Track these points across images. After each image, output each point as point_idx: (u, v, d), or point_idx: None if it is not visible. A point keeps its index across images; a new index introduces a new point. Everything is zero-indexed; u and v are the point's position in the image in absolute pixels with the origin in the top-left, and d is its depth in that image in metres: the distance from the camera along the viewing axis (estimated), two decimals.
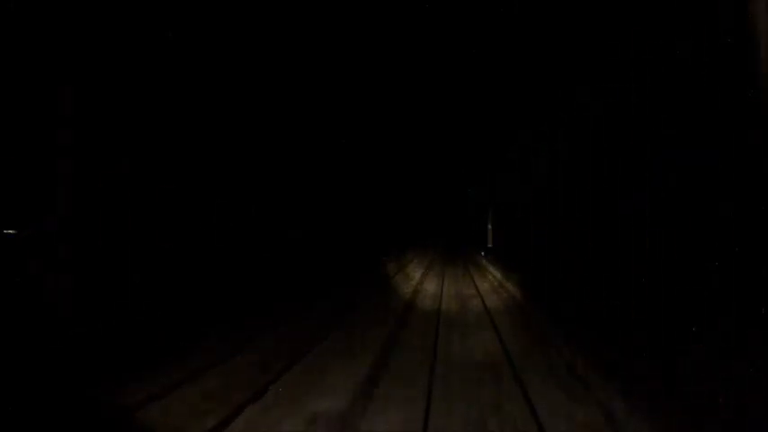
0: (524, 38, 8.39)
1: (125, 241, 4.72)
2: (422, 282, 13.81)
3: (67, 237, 3.99)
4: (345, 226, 12.62)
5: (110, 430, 3.22)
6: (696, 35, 4.36)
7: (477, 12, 8.25)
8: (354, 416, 3.77)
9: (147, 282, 4.94)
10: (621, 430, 3.71)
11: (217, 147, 6.43)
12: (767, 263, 3.81)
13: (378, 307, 8.64)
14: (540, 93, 9.62)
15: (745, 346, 3.76)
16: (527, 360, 5.36)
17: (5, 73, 3.65)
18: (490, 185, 16.55)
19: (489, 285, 12.94)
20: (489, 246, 16.78)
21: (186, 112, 5.75)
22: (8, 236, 3.56)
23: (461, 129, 15.58)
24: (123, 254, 4.68)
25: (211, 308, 5.95)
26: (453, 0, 8.19)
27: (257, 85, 7.47)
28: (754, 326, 3.80)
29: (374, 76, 10.74)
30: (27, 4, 3.79)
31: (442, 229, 39.87)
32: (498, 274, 14.23)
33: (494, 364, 5.13)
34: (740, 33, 3.92)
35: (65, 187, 4.05)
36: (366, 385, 4.43)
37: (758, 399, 3.40)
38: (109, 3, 4.50)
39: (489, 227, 17.18)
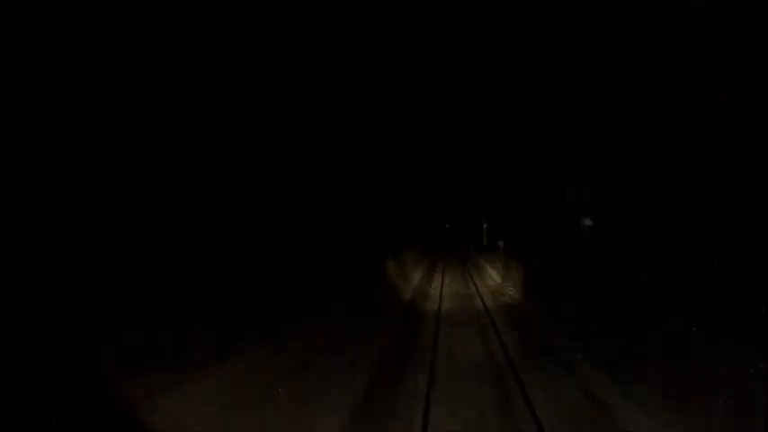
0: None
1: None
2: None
3: None
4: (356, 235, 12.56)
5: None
6: None
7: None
8: None
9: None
10: None
11: (229, 151, 6.41)
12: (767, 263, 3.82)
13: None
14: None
15: (744, 345, 3.77)
16: None
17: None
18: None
19: None
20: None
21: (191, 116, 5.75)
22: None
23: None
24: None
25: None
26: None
27: (266, 89, 7.45)
28: (754, 326, 3.81)
29: (397, 89, 10.78)
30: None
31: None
32: None
33: None
34: None
35: None
36: None
37: (758, 397, 3.40)
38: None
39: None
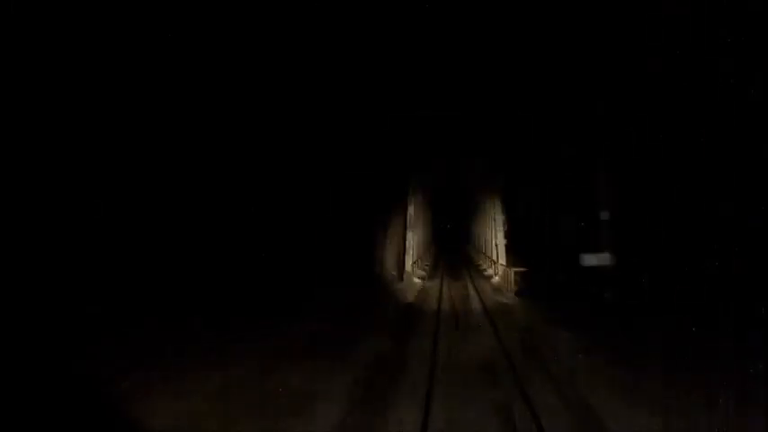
0: None
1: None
2: None
3: None
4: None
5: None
6: None
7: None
8: None
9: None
10: None
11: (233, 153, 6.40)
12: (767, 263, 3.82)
13: None
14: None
15: (744, 345, 3.77)
16: None
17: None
18: None
19: None
20: None
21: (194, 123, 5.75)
22: None
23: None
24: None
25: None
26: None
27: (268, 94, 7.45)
28: (754, 326, 3.82)
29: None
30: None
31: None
32: None
33: None
34: None
35: None
36: None
37: (758, 397, 3.40)
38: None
39: None
